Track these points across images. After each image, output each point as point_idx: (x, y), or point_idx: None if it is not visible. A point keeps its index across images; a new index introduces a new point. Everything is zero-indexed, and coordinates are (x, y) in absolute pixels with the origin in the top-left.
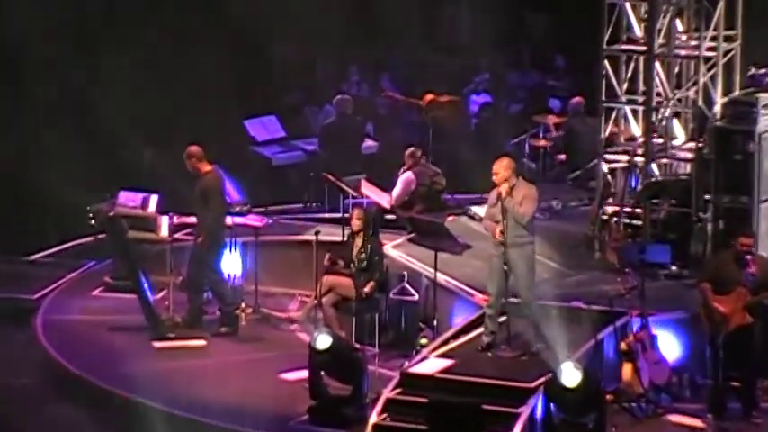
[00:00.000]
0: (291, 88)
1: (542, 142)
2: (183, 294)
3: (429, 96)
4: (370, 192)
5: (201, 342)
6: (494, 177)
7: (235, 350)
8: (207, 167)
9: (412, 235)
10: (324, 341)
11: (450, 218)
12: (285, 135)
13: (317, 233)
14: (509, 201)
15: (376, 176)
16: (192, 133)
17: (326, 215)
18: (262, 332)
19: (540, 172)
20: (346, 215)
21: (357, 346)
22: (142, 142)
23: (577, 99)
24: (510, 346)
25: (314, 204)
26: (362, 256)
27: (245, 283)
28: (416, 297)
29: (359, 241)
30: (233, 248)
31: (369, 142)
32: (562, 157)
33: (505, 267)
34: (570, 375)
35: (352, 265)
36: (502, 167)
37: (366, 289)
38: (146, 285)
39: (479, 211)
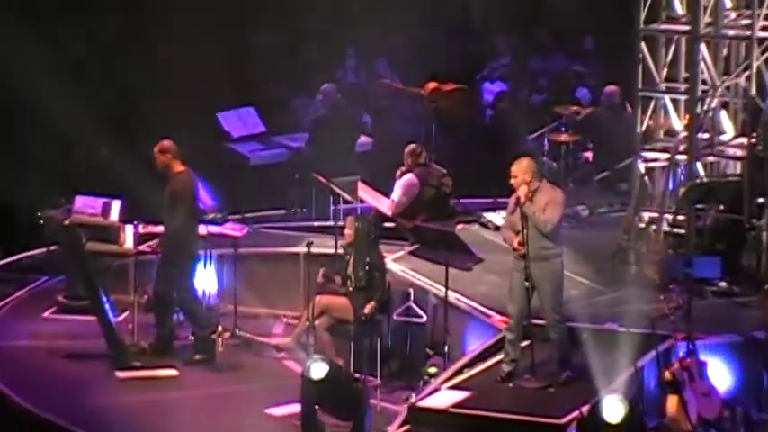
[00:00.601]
0: (275, 77)
1: (564, 137)
2: (149, 316)
3: (431, 84)
4: (368, 196)
5: (172, 372)
6: (512, 180)
7: (211, 381)
8: (179, 167)
9: (415, 247)
10: (319, 370)
11: (459, 226)
12: (265, 130)
13: (309, 245)
14: (529, 207)
15: (371, 178)
16: (156, 128)
17: (315, 223)
18: (242, 360)
19: (563, 172)
20: (340, 223)
21: (357, 375)
22: (99, 139)
23: (612, 88)
24: (534, 375)
25: (299, 210)
26: (361, 272)
27: (222, 303)
28: (424, 318)
29: (356, 255)
30: (207, 262)
31: (363, 138)
32: (588, 155)
33: (527, 284)
34: (613, 409)
35: (348, 282)
36: (521, 169)
37: (366, 310)
38: (107, 306)
39: (493, 218)
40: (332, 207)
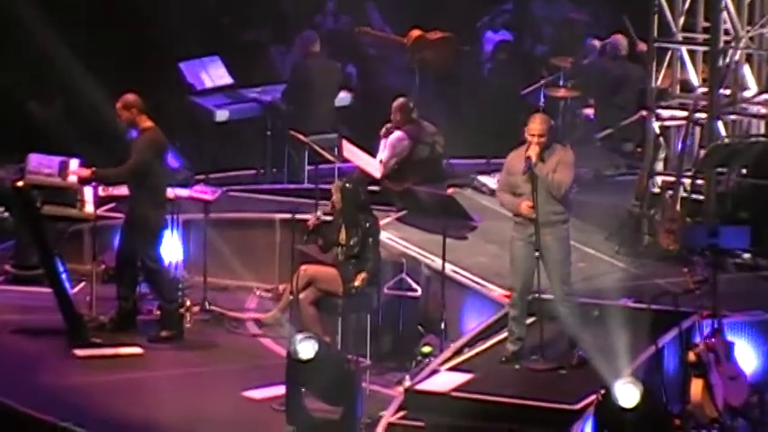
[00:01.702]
0: (250, 22)
1: (563, 92)
2: (108, 288)
3: (415, 32)
4: (354, 156)
5: (136, 350)
6: (531, 137)
7: (180, 360)
8: (147, 122)
9: (403, 212)
10: (307, 349)
11: (449, 190)
12: (233, 82)
13: (293, 212)
14: (541, 168)
15: (351, 137)
16: (111, 79)
17: (290, 185)
18: (213, 337)
19: (561, 130)
20: (323, 186)
21: (349, 356)
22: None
23: (617, 37)
24: (543, 355)
25: (270, 172)
26: (354, 239)
27: (189, 274)
28: (419, 292)
29: (346, 221)
30: (172, 229)
31: (342, 93)
32: (589, 111)
33: (537, 254)
34: (628, 394)
35: (339, 251)
36: (542, 125)
37: (356, 282)
38: (63, 276)
39: (488, 181)
40: (306, 168)
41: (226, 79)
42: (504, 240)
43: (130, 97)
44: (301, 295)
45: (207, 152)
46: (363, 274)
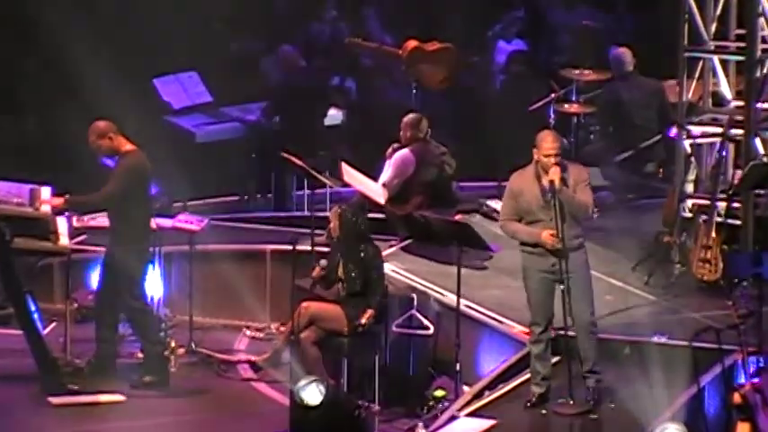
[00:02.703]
0: (240, 32)
1: (574, 108)
2: (81, 328)
3: (411, 43)
4: (356, 181)
5: (117, 397)
6: (547, 158)
7: (167, 408)
8: (127, 145)
9: (407, 241)
10: (314, 394)
11: (456, 217)
12: (211, 100)
13: (293, 242)
14: (565, 191)
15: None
16: (79, 99)
17: (280, 213)
18: (202, 382)
19: (574, 150)
20: (317, 214)
21: (360, 402)
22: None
23: (618, 52)
24: (572, 397)
25: (256, 198)
26: (354, 272)
27: (171, 313)
28: (431, 330)
29: (346, 252)
30: (154, 263)
31: (332, 110)
32: (597, 128)
33: (562, 287)
34: None
35: (340, 286)
36: (556, 143)
37: (362, 320)
38: (35, 316)
39: (498, 206)
40: (295, 193)
41: (204, 97)
42: (517, 271)
43: (102, 125)
44: (302, 335)
45: (185, 177)
46: (370, 311)
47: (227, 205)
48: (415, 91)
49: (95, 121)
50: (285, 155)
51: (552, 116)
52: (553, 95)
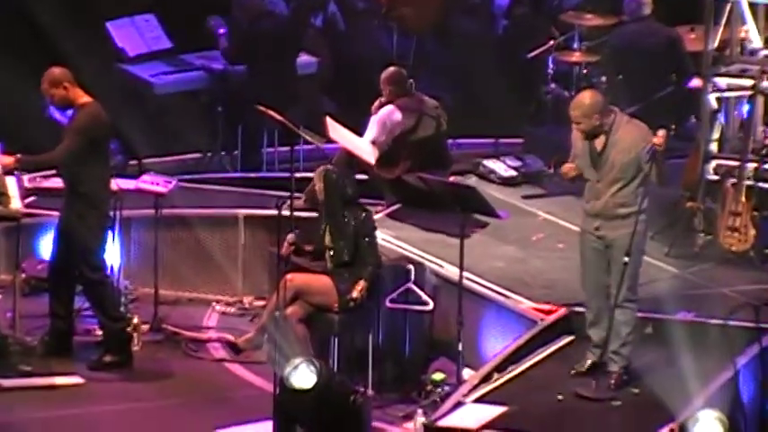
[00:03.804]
0: None
1: (576, 56)
2: (32, 302)
3: None
4: (343, 138)
5: (75, 379)
6: (576, 126)
7: (129, 392)
8: (84, 97)
9: (396, 207)
10: (305, 376)
11: (450, 178)
12: (171, 46)
13: (279, 205)
14: (610, 153)
15: (313, 112)
16: (21, 45)
17: (249, 174)
18: (169, 363)
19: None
20: (295, 174)
21: (354, 385)
22: None
23: None
24: (597, 381)
25: (221, 156)
26: (342, 241)
27: (132, 285)
28: (430, 306)
29: (332, 218)
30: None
31: (303, 56)
32: (603, 78)
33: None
34: (711, 429)
35: (327, 255)
36: (584, 113)
37: (354, 293)
38: None
39: (496, 167)
40: (265, 151)
41: (163, 43)
42: (523, 240)
43: (56, 71)
44: (288, 310)
45: (141, 132)
46: (362, 283)
47: (186, 164)
48: (396, 37)
49: (50, 67)
50: (260, 107)
51: (552, 66)
52: (552, 43)
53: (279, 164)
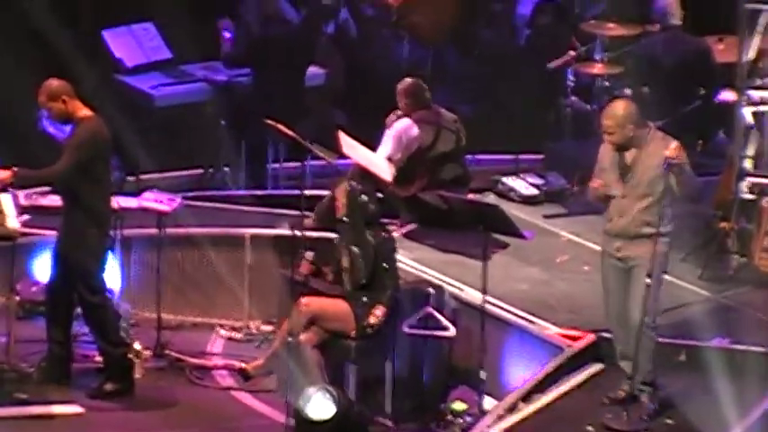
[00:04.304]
0: None
1: (598, 68)
2: (28, 326)
3: None
4: (358, 153)
5: (74, 408)
6: (607, 137)
7: (131, 422)
8: (84, 110)
9: (412, 226)
10: (322, 406)
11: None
12: (171, 57)
13: (293, 225)
14: (639, 167)
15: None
16: (13, 54)
17: (255, 192)
18: (173, 391)
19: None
20: (304, 192)
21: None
22: None
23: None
24: (628, 412)
25: (224, 172)
26: (361, 262)
27: (135, 309)
28: (452, 331)
29: (352, 237)
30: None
31: (310, 67)
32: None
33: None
34: None
35: (345, 277)
36: (617, 122)
37: (372, 319)
38: None
39: (516, 185)
40: (270, 167)
41: (163, 53)
42: (546, 261)
43: (55, 84)
44: (302, 337)
45: (140, 147)
46: (381, 309)
47: (187, 180)
48: (408, 46)
49: (48, 79)
50: (268, 121)
51: (571, 78)
52: (572, 53)
53: (285, 180)
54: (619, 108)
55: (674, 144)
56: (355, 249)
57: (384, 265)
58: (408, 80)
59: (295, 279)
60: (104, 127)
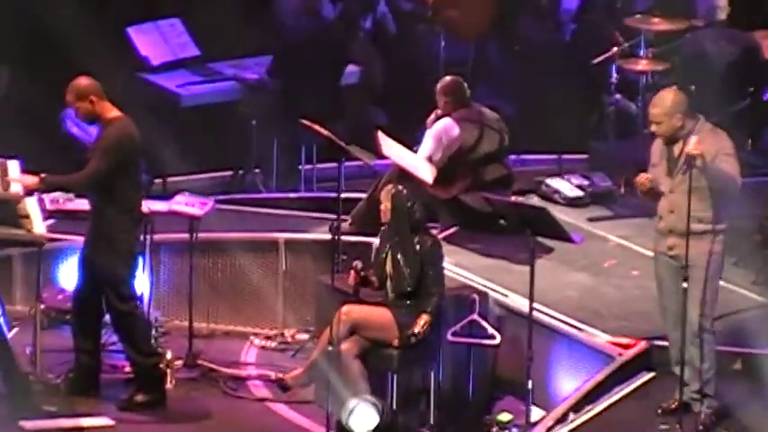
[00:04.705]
0: None
1: (643, 64)
2: (52, 335)
3: None
4: (398, 155)
5: (104, 420)
6: (653, 127)
7: None
8: (113, 111)
9: (453, 230)
10: (366, 418)
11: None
12: (199, 54)
13: (334, 228)
14: (691, 160)
15: (360, 126)
16: (35, 55)
17: (290, 195)
18: (206, 402)
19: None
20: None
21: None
22: None
23: None
24: (681, 424)
25: (254, 174)
26: (407, 269)
27: (165, 317)
28: (497, 339)
29: (397, 242)
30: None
31: (350, 66)
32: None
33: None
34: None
35: (389, 284)
36: (665, 110)
37: (416, 328)
38: (1, 319)
39: (561, 186)
40: (302, 168)
41: (191, 50)
42: (593, 266)
43: (83, 82)
44: (343, 346)
45: (167, 149)
46: (425, 317)
47: (216, 183)
48: (444, 43)
49: (77, 76)
50: (305, 121)
51: (615, 75)
52: (615, 49)
53: (319, 182)
54: (667, 97)
55: (692, 140)
56: (399, 256)
57: (430, 272)
58: (448, 78)
59: (342, 290)
60: (134, 128)
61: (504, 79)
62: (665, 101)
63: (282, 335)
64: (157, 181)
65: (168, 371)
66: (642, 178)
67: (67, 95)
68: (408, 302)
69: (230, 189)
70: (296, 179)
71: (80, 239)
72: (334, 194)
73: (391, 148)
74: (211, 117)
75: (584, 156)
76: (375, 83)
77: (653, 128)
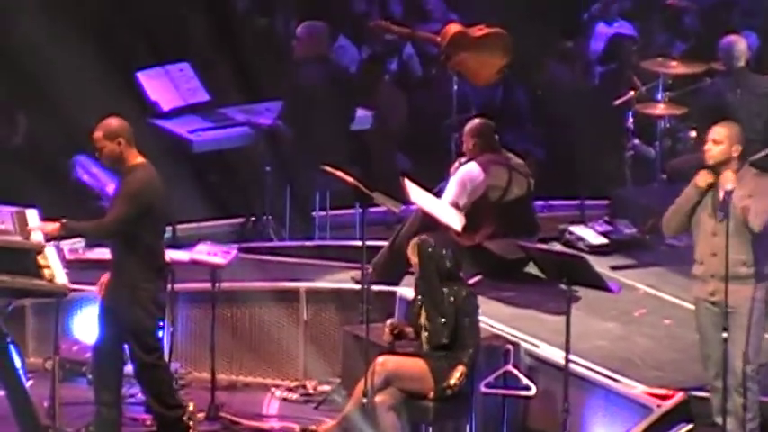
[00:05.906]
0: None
1: (660, 109)
2: (70, 388)
3: (452, 27)
4: (426, 201)
5: None
6: (709, 147)
7: None
8: (138, 157)
9: (477, 278)
10: None
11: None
12: (209, 99)
13: (364, 278)
14: (732, 203)
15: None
16: (43, 98)
17: (306, 243)
18: None
19: (660, 161)
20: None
21: None
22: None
23: (729, 40)
24: None
25: (267, 221)
26: (440, 320)
27: (184, 369)
28: (533, 391)
29: (428, 294)
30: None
31: (360, 111)
32: (692, 134)
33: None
34: None
35: (423, 336)
36: (728, 134)
37: (452, 380)
38: (19, 372)
39: (585, 234)
40: (317, 215)
41: (201, 95)
42: (623, 315)
43: (115, 123)
44: (377, 398)
45: (177, 196)
46: (461, 368)
47: (227, 230)
48: (456, 87)
49: (109, 116)
50: (327, 168)
51: (631, 119)
52: (632, 93)
53: (331, 230)
54: (732, 125)
55: (725, 174)
56: (432, 308)
57: (466, 323)
58: (477, 120)
59: (377, 343)
60: (157, 175)
61: (528, 124)
62: (734, 126)
63: (304, 386)
64: (167, 228)
65: (191, 423)
66: (703, 174)
67: (96, 132)
68: (444, 354)
69: (242, 237)
70: (309, 226)
71: (93, 289)
72: (352, 242)
73: (418, 196)
74: (223, 163)
75: (605, 201)
76: (398, 127)
77: (707, 147)
